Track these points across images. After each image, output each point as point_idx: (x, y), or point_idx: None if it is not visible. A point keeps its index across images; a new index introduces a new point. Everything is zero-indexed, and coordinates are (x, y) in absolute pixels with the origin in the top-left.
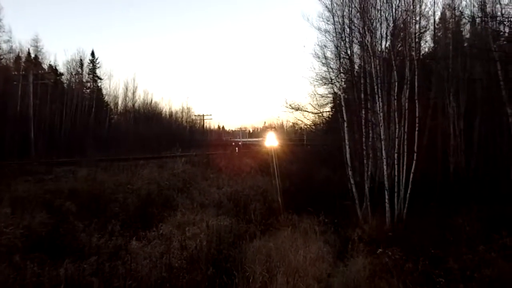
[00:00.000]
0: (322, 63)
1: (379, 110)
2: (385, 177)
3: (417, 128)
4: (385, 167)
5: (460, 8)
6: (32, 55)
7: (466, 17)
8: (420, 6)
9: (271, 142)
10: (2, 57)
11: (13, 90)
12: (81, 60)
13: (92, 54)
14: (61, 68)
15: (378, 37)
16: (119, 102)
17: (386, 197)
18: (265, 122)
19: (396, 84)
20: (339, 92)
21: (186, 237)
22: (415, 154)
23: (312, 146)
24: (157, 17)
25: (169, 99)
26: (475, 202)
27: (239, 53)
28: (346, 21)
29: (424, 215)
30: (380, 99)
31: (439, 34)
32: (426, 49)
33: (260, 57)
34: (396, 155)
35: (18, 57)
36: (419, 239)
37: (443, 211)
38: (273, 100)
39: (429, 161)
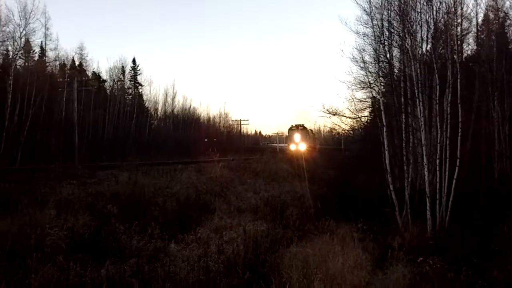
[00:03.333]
0: (361, 67)
1: (420, 115)
2: (426, 183)
3: (459, 133)
4: (426, 173)
5: (504, 9)
6: (77, 63)
7: (511, 18)
8: (462, 8)
9: (298, 145)
10: (48, 65)
11: (58, 97)
12: (123, 67)
13: (134, 61)
14: (104, 75)
15: (418, 40)
16: (159, 108)
17: (427, 204)
18: (292, 125)
19: (438, 88)
20: (378, 97)
21: (223, 241)
22: (457, 160)
23: (350, 151)
24: (195, 24)
25: (207, 104)
26: None
27: (276, 58)
28: (385, 24)
29: (467, 223)
30: (421, 103)
31: (482, 36)
32: (469, 52)
33: (298, 61)
34: (437, 161)
35: (63, 65)
36: (461, 248)
37: (487, 219)
38: (310, 104)
39: (472, 167)
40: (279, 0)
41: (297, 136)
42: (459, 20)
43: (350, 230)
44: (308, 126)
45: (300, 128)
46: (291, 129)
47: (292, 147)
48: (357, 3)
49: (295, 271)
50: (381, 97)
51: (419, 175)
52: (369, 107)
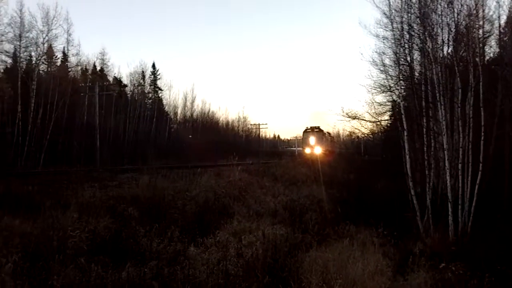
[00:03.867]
0: (381, 70)
1: (442, 118)
2: (448, 188)
3: (482, 137)
4: (448, 178)
5: None
6: (98, 68)
7: None
8: (484, 10)
9: (313, 149)
10: (70, 70)
11: (80, 101)
12: (143, 72)
13: (153, 66)
14: (125, 80)
15: (439, 42)
16: (179, 112)
17: (449, 209)
18: (306, 127)
19: (460, 91)
20: (399, 100)
21: (242, 245)
22: (480, 165)
23: (370, 155)
24: (214, 29)
25: (226, 108)
26: None
27: (295, 62)
28: (405, 27)
29: (490, 228)
30: (442, 107)
31: (505, 38)
32: (491, 55)
33: (316, 65)
34: (460, 165)
35: (85, 70)
36: (484, 254)
37: (511, 224)
38: (329, 108)
39: (495, 172)
40: (297, 3)
41: (312, 139)
42: (481, 23)
43: (370, 235)
44: (325, 128)
45: (316, 130)
46: (306, 132)
47: (307, 150)
48: (377, 6)
49: (314, 276)
50: (401, 101)
51: (440, 179)
52: (389, 111)
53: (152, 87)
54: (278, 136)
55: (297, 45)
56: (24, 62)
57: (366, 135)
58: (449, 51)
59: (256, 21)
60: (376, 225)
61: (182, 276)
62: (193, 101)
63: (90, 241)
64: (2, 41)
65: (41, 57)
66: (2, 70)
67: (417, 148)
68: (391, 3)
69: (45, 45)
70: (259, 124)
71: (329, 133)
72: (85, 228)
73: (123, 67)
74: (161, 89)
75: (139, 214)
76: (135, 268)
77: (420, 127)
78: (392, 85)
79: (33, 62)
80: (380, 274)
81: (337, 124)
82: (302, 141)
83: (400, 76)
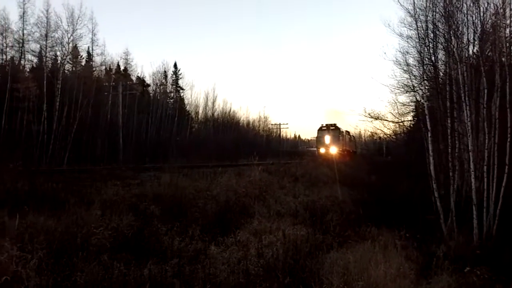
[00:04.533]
0: (404, 70)
1: (467, 119)
2: (473, 190)
3: (508, 139)
4: (473, 180)
5: None
6: (122, 67)
7: None
8: (511, 9)
9: (329, 148)
10: (95, 69)
11: (104, 100)
12: (165, 71)
13: (175, 65)
14: (148, 79)
15: (464, 42)
16: (200, 111)
17: (474, 212)
18: (321, 125)
19: (485, 91)
20: (422, 100)
21: (263, 244)
22: (506, 167)
23: (392, 156)
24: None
25: (247, 108)
26: None
27: (316, 61)
28: (430, 26)
29: None
30: (467, 107)
31: None
32: None
33: (337, 64)
34: (485, 167)
35: (109, 69)
36: (510, 258)
37: None
38: (350, 108)
39: None
40: (319, 3)
41: (327, 138)
42: (508, 22)
43: (392, 237)
44: (344, 127)
45: (332, 128)
46: (320, 130)
47: (322, 150)
48: (401, 5)
49: (335, 278)
50: (425, 101)
51: (465, 182)
52: (412, 111)
53: (174, 86)
54: (299, 136)
55: (319, 44)
56: (50, 62)
57: (388, 135)
58: (475, 50)
59: (278, 20)
60: (399, 227)
61: (203, 275)
62: (214, 101)
63: (113, 238)
64: (29, 40)
65: (66, 56)
66: (28, 69)
67: (441, 150)
68: (416, 1)
69: (70, 44)
70: (279, 124)
71: (348, 132)
72: (108, 226)
73: (146, 66)
74: (182, 89)
75: (160, 212)
76: (156, 265)
77: (444, 128)
78: (415, 85)
79: (58, 61)
80: (402, 277)
81: (359, 124)
82: (316, 140)
83: (424, 76)
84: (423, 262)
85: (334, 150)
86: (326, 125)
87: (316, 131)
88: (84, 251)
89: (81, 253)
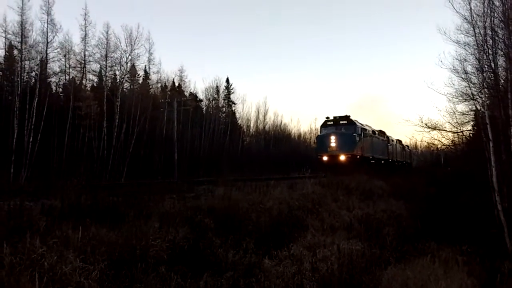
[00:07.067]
0: (462, 78)
1: None
2: None
3: None
4: None
5: None
6: (176, 84)
7: None
8: None
9: (338, 156)
10: (151, 87)
11: (159, 116)
12: (217, 87)
13: (227, 81)
14: (200, 95)
15: None
16: (251, 125)
17: None
18: (326, 118)
19: None
20: (482, 109)
21: (317, 259)
22: None
23: (451, 167)
24: (285, 42)
25: (298, 120)
26: None
27: (366, 73)
28: (488, 32)
29: None
30: None
31: None
32: None
33: (387, 75)
34: None
35: (164, 86)
36: None
37: None
38: (405, 118)
39: None
40: (370, 13)
41: (332, 139)
42: None
43: (453, 252)
44: (381, 128)
45: (342, 122)
46: (325, 125)
47: (325, 158)
48: (456, 12)
49: None
50: (486, 110)
51: None
52: (472, 121)
53: (226, 101)
54: None
55: (369, 55)
56: (109, 81)
57: (446, 146)
58: None
59: (325, 31)
60: (460, 241)
61: None
62: (265, 114)
63: (170, 251)
64: (90, 61)
65: (125, 75)
66: (89, 88)
67: (504, 160)
68: (473, 7)
69: (128, 64)
70: None
71: (399, 141)
72: (165, 238)
73: (198, 82)
74: (234, 103)
75: (215, 225)
76: (212, 278)
77: (507, 138)
78: (475, 93)
79: (117, 80)
80: None
81: (414, 135)
82: (317, 141)
83: (484, 84)
84: (487, 278)
85: (344, 157)
86: (334, 117)
87: (319, 128)
88: (143, 262)
89: (140, 264)
